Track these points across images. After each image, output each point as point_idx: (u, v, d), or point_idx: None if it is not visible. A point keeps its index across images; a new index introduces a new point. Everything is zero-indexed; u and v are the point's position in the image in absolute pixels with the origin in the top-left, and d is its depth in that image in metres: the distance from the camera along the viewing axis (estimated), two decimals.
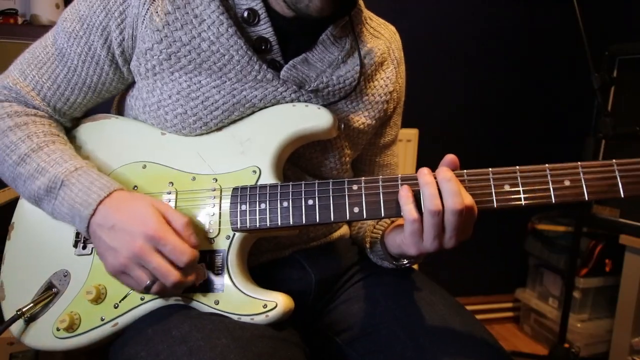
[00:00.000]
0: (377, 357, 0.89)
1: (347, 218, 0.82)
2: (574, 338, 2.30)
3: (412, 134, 2.27)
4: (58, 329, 0.85)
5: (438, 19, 2.41)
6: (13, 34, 1.81)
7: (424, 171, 0.79)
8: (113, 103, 1.08)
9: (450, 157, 0.80)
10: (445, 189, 0.76)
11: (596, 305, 2.35)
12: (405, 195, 0.78)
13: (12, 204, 1.00)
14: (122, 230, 0.79)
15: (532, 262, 2.61)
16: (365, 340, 0.93)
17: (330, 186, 0.83)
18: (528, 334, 2.61)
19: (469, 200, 0.76)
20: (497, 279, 2.74)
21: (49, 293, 0.88)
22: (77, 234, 0.91)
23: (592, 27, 1.69)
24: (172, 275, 0.77)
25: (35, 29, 1.88)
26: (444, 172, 0.77)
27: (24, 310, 0.87)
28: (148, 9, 0.87)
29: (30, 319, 0.89)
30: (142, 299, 0.85)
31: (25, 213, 0.98)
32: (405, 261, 0.97)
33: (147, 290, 0.78)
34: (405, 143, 2.26)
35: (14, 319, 0.87)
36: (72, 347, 0.86)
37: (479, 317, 2.65)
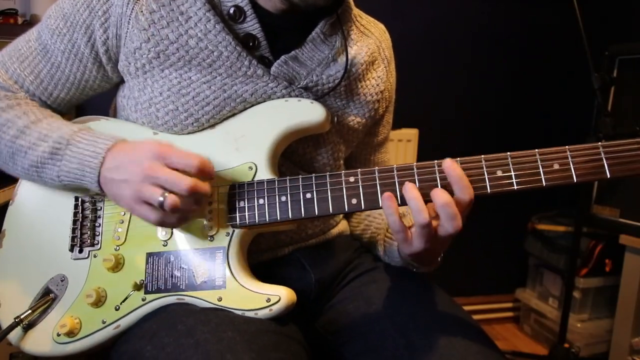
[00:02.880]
0: (370, 356, 0.89)
1: (346, 210, 0.83)
2: (574, 338, 2.30)
3: (412, 134, 2.27)
4: (59, 334, 0.85)
5: (437, 19, 2.41)
6: (13, 34, 1.77)
7: (408, 187, 0.79)
8: (111, 105, 1.08)
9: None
10: (443, 212, 0.77)
11: (596, 305, 2.35)
12: (387, 205, 0.79)
13: (6, 208, 0.99)
14: (129, 162, 0.79)
15: (532, 262, 2.60)
16: (358, 340, 0.92)
17: (328, 179, 0.84)
18: (528, 334, 2.61)
19: (470, 194, 0.78)
20: (497, 279, 2.74)
21: (47, 299, 0.88)
22: (73, 238, 0.91)
23: (592, 27, 1.69)
24: (186, 180, 0.76)
25: None
26: (441, 197, 0.77)
27: (22, 317, 0.86)
28: (133, 9, 0.88)
29: (29, 325, 0.88)
30: (143, 299, 0.85)
31: (16, 219, 0.97)
32: (421, 268, 0.96)
33: (162, 207, 0.76)
34: (405, 143, 2.26)
35: (12, 327, 0.86)
36: (74, 351, 0.85)
37: (479, 317, 2.67)
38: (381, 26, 1.11)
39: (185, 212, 0.80)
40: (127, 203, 0.80)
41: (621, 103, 2.06)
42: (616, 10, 2.48)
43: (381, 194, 0.81)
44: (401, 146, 2.25)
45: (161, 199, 0.75)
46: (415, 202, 0.77)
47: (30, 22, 1.94)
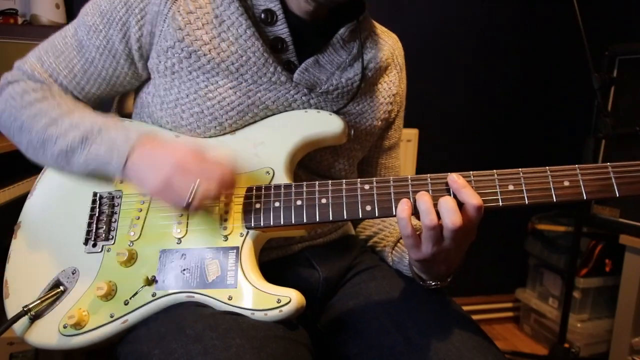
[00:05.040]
0: (370, 353, 0.89)
1: (360, 216, 0.85)
2: (574, 338, 2.31)
3: (412, 134, 2.28)
4: (65, 326, 0.84)
5: (438, 19, 2.42)
6: (13, 34, 1.80)
7: (421, 193, 0.81)
8: (113, 102, 1.10)
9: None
10: (442, 206, 0.78)
11: (596, 305, 2.36)
12: (402, 209, 0.80)
13: (14, 204, 1.00)
14: (165, 147, 0.84)
15: (532, 262, 2.61)
16: (358, 338, 0.93)
17: (344, 185, 0.86)
18: (528, 334, 2.62)
19: (477, 199, 0.78)
20: (497, 279, 2.75)
21: (56, 291, 0.88)
22: (88, 232, 0.91)
23: (592, 27, 1.70)
24: (220, 169, 0.81)
25: (35, 29, 1.87)
26: (444, 197, 0.80)
27: (30, 307, 0.86)
28: (170, 8, 0.91)
29: (36, 316, 0.88)
30: (153, 295, 0.85)
31: (33, 212, 0.98)
32: (432, 283, 0.96)
33: (190, 195, 0.79)
34: (405, 143, 2.27)
35: (19, 316, 0.86)
36: (79, 345, 0.85)
37: (479, 317, 2.67)
38: (394, 36, 1.16)
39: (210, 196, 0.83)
40: (156, 184, 0.82)
41: (621, 103, 2.06)
42: (616, 10, 2.50)
43: (395, 202, 0.83)
44: (401, 146, 2.23)
45: (194, 186, 0.80)
46: (425, 205, 0.79)
47: (30, 22, 1.93)
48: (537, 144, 2.63)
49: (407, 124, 2.24)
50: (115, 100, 1.10)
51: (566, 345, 2.12)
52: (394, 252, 1.07)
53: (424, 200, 0.79)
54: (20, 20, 1.94)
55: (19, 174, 1.38)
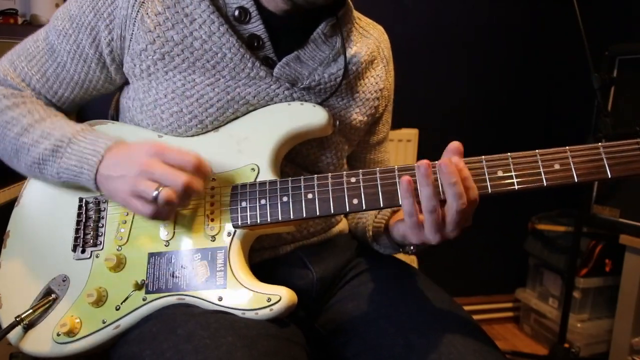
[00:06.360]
0: (368, 355, 0.89)
1: (347, 210, 0.84)
2: (574, 338, 2.30)
3: (412, 134, 2.27)
4: (58, 334, 0.85)
5: (438, 19, 2.42)
6: (13, 34, 1.81)
7: (422, 170, 0.77)
8: (111, 104, 1.09)
9: (454, 148, 0.81)
10: (449, 192, 0.76)
11: (596, 305, 2.35)
12: (404, 188, 0.78)
13: (10, 207, 1.00)
14: (127, 159, 0.82)
15: (532, 262, 2.61)
16: (357, 339, 0.92)
17: (329, 179, 0.85)
18: (528, 334, 2.61)
19: (473, 194, 0.77)
20: (497, 279, 2.74)
21: (48, 299, 0.88)
22: (76, 239, 0.91)
23: (592, 27, 1.69)
24: (181, 176, 0.78)
25: (35, 29, 1.83)
26: (448, 174, 0.76)
27: (22, 316, 0.86)
28: (138, 11, 0.90)
29: (29, 325, 0.88)
30: (144, 299, 0.85)
31: (21, 220, 0.97)
32: (412, 247, 0.96)
33: (155, 200, 0.78)
34: (405, 143, 2.26)
35: (12, 326, 0.86)
36: (73, 352, 0.85)
37: (478, 317, 2.67)
38: (380, 28, 1.13)
39: (178, 206, 0.82)
40: (122, 198, 0.83)
41: (621, 103, 2.05)
42: (616, 10, 2.48)
43: (382, 194, 0.82)
44: (401, 146, 2.24)
45: (155, 193, 0.78)
46: (428, 188, 0.77)
47: (30, 22, 1.94)
48: (538, 144, 2.56)
49: (407, 124, 2.26)
50: (113, 101, 1.09)
51: (566, 345, 2.12)
52: (373, 229, 1.05)
53: (427, 182, 0.77)
54: (20, 20, 1.94)
55: (18, 174, 1.38)
